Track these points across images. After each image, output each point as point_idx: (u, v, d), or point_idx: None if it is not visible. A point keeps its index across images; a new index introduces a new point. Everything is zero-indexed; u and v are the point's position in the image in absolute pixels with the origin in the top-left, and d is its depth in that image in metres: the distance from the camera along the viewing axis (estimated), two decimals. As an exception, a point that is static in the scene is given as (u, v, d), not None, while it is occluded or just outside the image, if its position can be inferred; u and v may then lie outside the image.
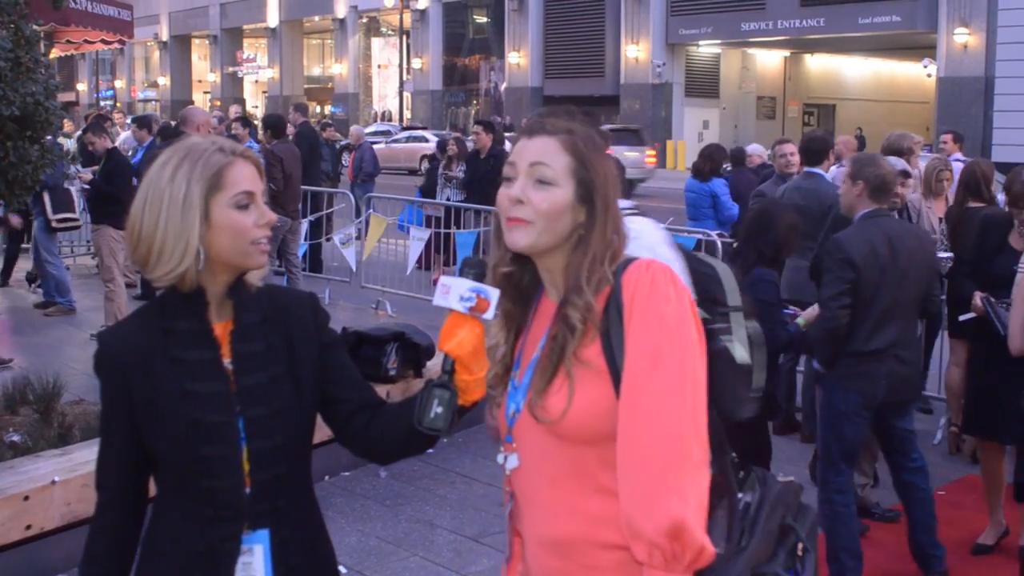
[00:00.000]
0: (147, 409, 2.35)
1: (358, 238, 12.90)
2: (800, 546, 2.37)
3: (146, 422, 2.36)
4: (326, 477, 6.82)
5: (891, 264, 5.20)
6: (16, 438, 6.09)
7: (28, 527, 5.24)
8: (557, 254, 2.33)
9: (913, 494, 5.47)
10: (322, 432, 7.52)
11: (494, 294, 2.35)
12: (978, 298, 5.92)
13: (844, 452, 5.26)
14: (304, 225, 13.47)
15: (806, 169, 7.83)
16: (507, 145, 12.86)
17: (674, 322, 2.22)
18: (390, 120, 51.98)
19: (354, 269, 12.85)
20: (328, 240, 13.71)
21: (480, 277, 2.37)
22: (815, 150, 7.80)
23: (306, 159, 13.24)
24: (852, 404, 5.23)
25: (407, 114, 51.00)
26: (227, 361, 2.38)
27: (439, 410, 2.34)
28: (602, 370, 2.26)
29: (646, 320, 2.22)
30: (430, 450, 7.41)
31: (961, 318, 6.30)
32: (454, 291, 2.34)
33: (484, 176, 12.45)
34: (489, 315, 2.36)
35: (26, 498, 5.24)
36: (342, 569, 5.35)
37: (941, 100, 32.59)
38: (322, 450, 6.70)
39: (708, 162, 10.95)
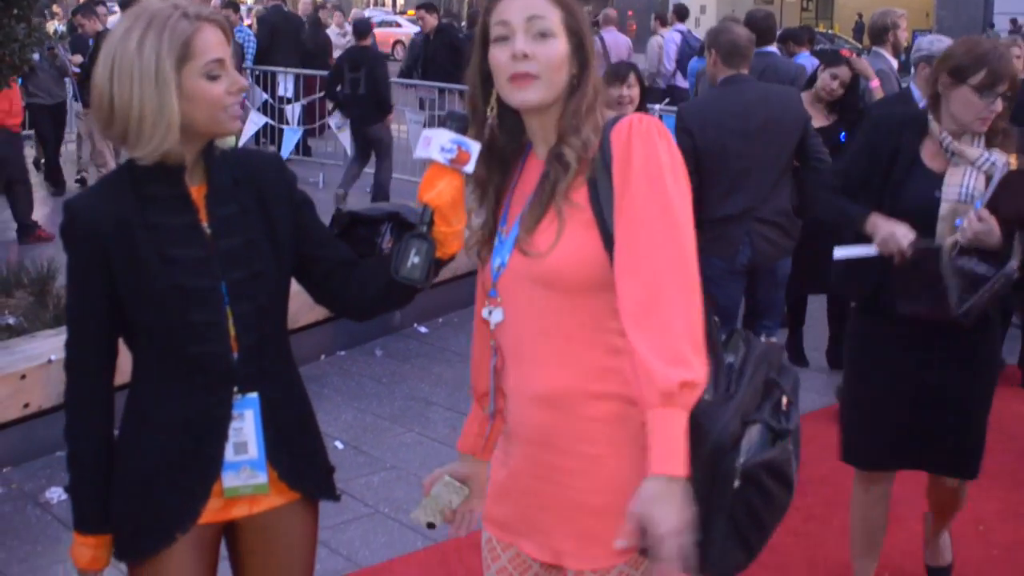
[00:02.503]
0: (128, 277, 2.31)
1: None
2: (785, 400, 2.39)
3: (128, 291, 2.32)
4: (322, 356, 6.85)
5: (742, 128, 5.14)
6: (11, 320, 6.10)
7: (26, 405, 5.28)
8: (553, 108, 2.31)
9: None
10: (316, 312, 7.50)
11: (475, 147, 2.33)
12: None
13: (720, 316, 5.22)
14: (297, 109, 13.37)
15: (756, 51, 7.63)
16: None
17: (662, 164, 2.22)
18: (383, 6, 51.17)
19: (349, 153, 12.76)
20: (324, 125, 13.59)
21: (463, 130, 2.34)
22: (761, 29, 7.62)
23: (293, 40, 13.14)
24: (715, 269, 5.20)
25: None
26: (205, 225, 2.36)
27: (416, 260, 2.32)
28: (590, 219, 2.25)
29: (633, 165, 2.21)
30: (423, 328, 7.47)
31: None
32: (435, 142, 2.31)
33: (436, 54, 12.60)
34: (469, 168, 2.33)
35: (23, 377, 5.26)
36: (338, 444, 5.51)
37: (940, -16, 32.14)
38: (317, 330, 6.84)
39: None
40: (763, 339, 2.47)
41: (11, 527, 4.69)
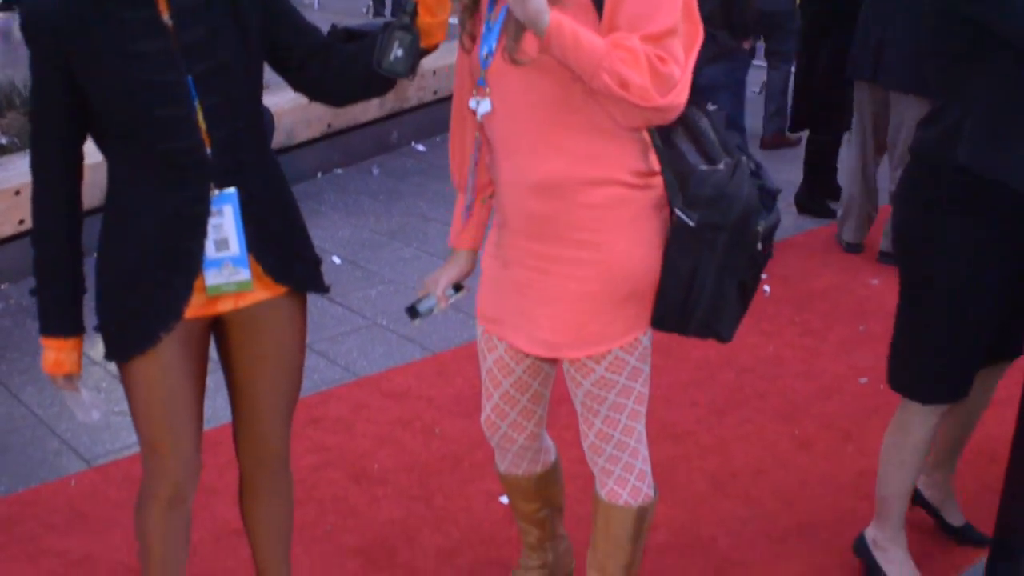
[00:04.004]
0: (89, 75, 2.23)
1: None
2: (750, 161, 2.39)
3: (91, 89, 2.24)
4: (318, 174, 6.80)
5: None
6: (4, 140, 6.03)
7: (21, 221, 5.26)
8: None
9: None
10: (312, 129, 7.42)
11: None
12: None
13: None
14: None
15: None
16: None
17: None
18: None
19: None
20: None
21: None
22: None
23: None
24: None
25: None
26: (165, 17, 2.26)
27: (399, 53, 2.25)
28: (587, 4, 2.18)
29: None
30: (420, 146, 7.40)
31: None
32: None
33: None
34: None
35: (17, 193, 5.22)
36: (335, 260, 5.50)
37: None
38: (314, 147, 6.78)
39: None
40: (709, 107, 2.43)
41: (11, 341, 4.71)
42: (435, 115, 7.70)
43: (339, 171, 6.91)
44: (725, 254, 2.29)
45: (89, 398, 2.51)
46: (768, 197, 2.34)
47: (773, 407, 4.18)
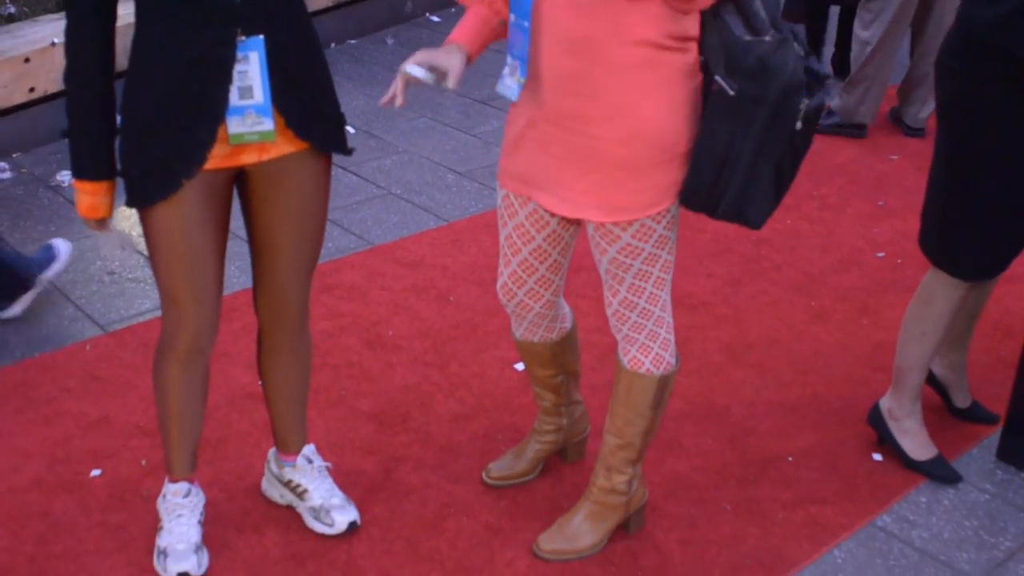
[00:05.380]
0: None
1: None
2: (803, 46, 2.31)
3: None
4: (332, 45, 6.70)
5: None
6: (12, 9, 5.92)
7: (31, 90, 5.19)
8: None
9: None
10: (324, -1, 7.03)
11: None
12: None
13: None
14: None
15: None
16: None
17: None
18: None
19: None
20: None
21: None
22: None
23: None
24: None
25: None
26: None
27: None
28: None
29: None
30: (435, 17, 7.27)
31: None
32: None
33: None
34: None
35: (27, 60, 5.15)
36: (350, 129, 5.44)
37: None
38: (327, 17, 6.67)
39: None
40: None
41: (24, 209, 4.69)
42: (450, -15, 7.57)
43: (353, 42, 6.81)
44: (763, 130, 2.23)
45: (120, 238, 2.51)
46: (816, 80, 2.25)
47: (789, 279, 4.15)
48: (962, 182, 2.80)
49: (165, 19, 2.27)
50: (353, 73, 6.30)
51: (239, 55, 2.29)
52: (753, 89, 2.19)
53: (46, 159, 5.15)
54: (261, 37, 2.29)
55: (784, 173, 2.33)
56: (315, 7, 6.55)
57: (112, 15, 2.33)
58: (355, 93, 5.99)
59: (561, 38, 2.25)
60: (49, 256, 3.94)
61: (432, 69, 2.31)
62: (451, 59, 2.31)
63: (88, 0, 2.29)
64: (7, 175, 4.99)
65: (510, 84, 2.39)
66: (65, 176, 4.93)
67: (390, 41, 6.83)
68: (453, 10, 7.39)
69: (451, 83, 2.28)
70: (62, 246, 3.98)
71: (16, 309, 3.80)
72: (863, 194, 4.93)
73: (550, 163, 2.38)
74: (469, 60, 2.38)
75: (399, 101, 2.31)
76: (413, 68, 2.30)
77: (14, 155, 5.20)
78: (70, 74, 2.36)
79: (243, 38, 2.28)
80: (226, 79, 2.29)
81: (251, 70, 2.30)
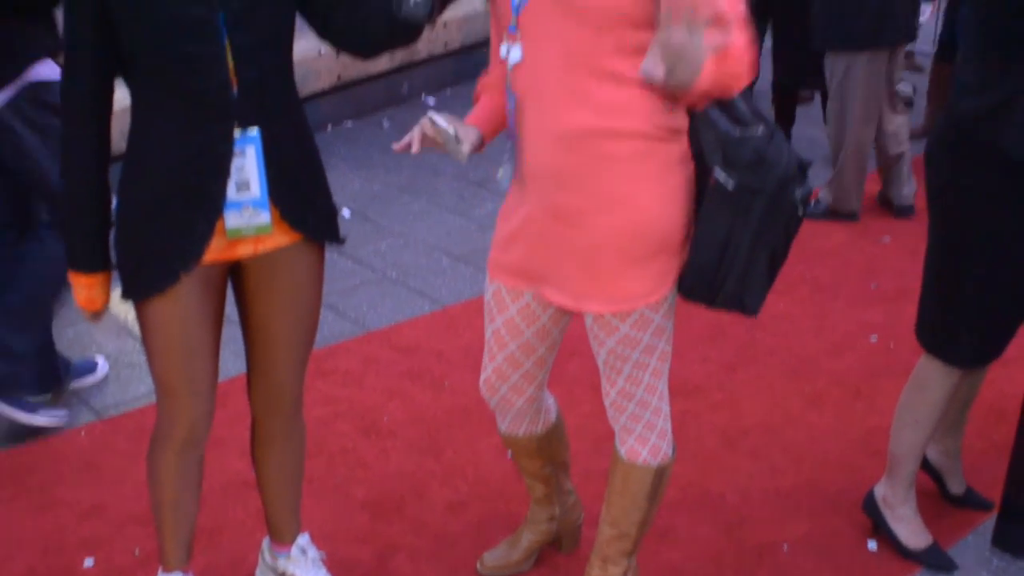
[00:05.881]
0: (123, 9, 2.22)
1: None
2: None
3: (123, 21, 2.24)
4: (329, 127, 6.77)
5: None
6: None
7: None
8: None
9: None
10: (323, 81, 7.33)
11: None
12: None
13: None
14: None
15: None
16: None
17: None
18: None
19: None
20: None
21: None
22: None
23: None
24: None
25: None
26: None
27: None
28: None
29: None
30: (431, 99, 7.36)
31: None
32: None
33: None
34: None
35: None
36: (346, 213, 5.48)
37: None
38: (324, 99, 6.73)
39: None
40: None
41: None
42: (446, 68, 7.65)
43: (349, 123, 6.88)
44: (760, 221, 2.26)
45: (116, 322, 2.52)
46: (800, 167, 2.31)
47: (784, 363, 4.17)
48: (955, 271, 2.82)
49: (163, 114, 2.30)
50: (349, 155, 6.35)
51: (236, 149, 2.32)
52: (752, 181, 2.23)
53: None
54: (257, 131, 2.32)
55: (777, 258, 2.37)
56: (312, 89, 6.63)
57: (108, 109, 2.36)
58: (351, 175, 6.04)
59: (553, 132, 2.29)
60: (87, 368, 3.97)
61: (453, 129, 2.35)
62: (469, 131, 2.38)
63: (85, 96, 2.33)
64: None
65: (507, 171, 2.44)
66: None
67: (386, 124, 6.91)
68: (449, 92, 7.49)
69: (465, 148, 2.34)
70: (102, 366, 4.02)
71: (41, 420, 3.75)
72: (856, 277, 4.96)
73: (548, 256, 2.40)
74: (482, 143, 2.44)
75: (415, 148, 2.35)
76: (438, 117, 2.34)
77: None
78: (65, 168, 2.38)
79: (240, 132, 2.32)
80: (224, 173, 2.32)
81: (248, 164, 2.33)
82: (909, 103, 7.35)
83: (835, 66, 5.36)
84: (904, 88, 7.46)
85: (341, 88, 6.93)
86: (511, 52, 2.30)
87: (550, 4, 2.21)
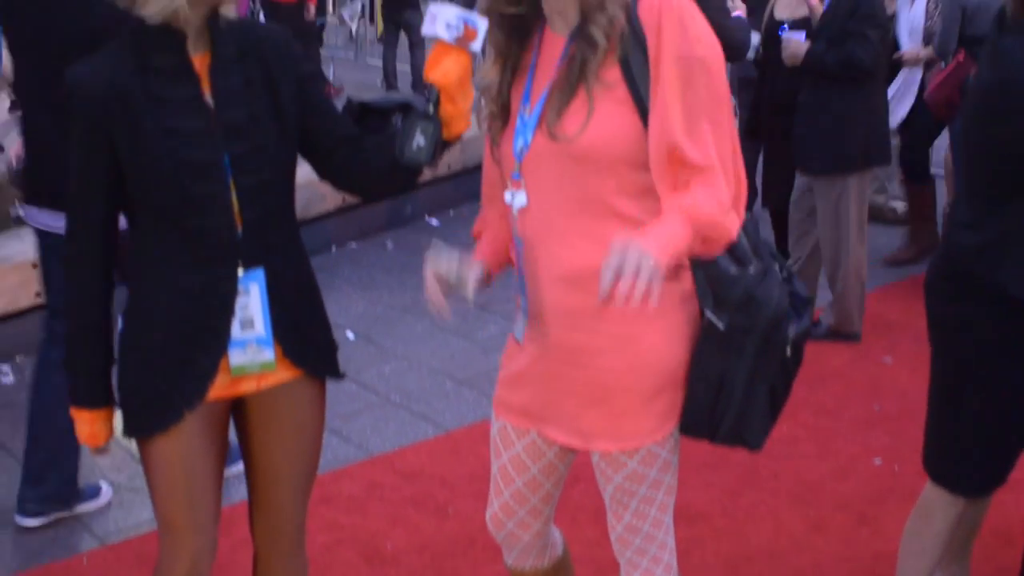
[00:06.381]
0: (129, 149, 2.28)
1: (362, 16, 12.62)
2: (781, 268, 2.39)
3: (129, 163, 2.29)
4: (333, 248, 6.84)
5: None
6: (22, 212, 6.06)
7: (37, 294, 5.27)
8: None
9: None
10: (327, 203, 7.42)
11: (482, 23, 2.27)
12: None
13: None
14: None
15: None
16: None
17: (703, 43, 2.18)
18: None
19: (358, 46, 12.61)
20: (335, 16, 13.40)
21: (469, 5, 2.28)
22: None
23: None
24: None
25: None
26: (208, 97, 2.31)
27: (421, 142, 2.29)
28: (624, 96, 2.21)
29: (672, 42, 2.16)
30: (434, 221, 7.44)
31: None
32: (441, 19, 2.25)
33: None
34: (476, 46, 2.28)
35: (35, 265, 5.23)
36: (349, 335, 5.51)
37: None
38: (328, 221, 6.81)
39: None
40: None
41: (25, 415, 4.70)
42: (449, 189, 7.75)
43: (353, 245, 6.96)
44: (755, 359, 2.28)
45: (120, 448, 2.54)
46: (800, 303, 2.34)
47: (787, 488, 4.15)
48: (957, 402, 2.84)
49: (169, 254, 2.34)
50: (353, 277, 6.41)
51: (240, 288, 2.35)
52: (742, 321, 2.26)
53: (49, 363, 5.20)
54: (261, 269, 2.37)
55: (778, 393, 2.38)
56: (316, 211, 6.71)
57: (113, 246, 2.40)
58: (355, 297, 6.09)
59: (561, 273, 2.31)
60: (91, 492, 3.99)
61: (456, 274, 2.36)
62: (472, 269, 2.39)
63: (90, 236, 2.37)
64: (9, 379, 5.05)
65: (520, 327, 2.45)
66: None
67: (390, 245, 6.99)
68: (452, 213, 7.58)
69: (469, 290, 2.35)
70: (106, 491, 4.03)
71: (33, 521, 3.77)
72: (858, 399, 4.97)
73: (555, 396, 2.41)
74: (488, 277, 2.45)
75: (442, 311, 2.37)
76: (441, 259, 2.36)
77: (17, 358, 5.26)
78: (69, 305, 2.41)
79: (244, 271, 2.35)
80: (228, 312, 2.35)
81: (252, 302, 2.36)
82: (906, 220, 7.47)
83: (826, 190, 5.46)
84: (901, 205, 7.57)
85: (345, 210, 7.02)
86: (516, 198, 2.34)
87: (551, 151, 2.26)
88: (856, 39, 5.23)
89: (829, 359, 5.39)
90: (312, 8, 11.24)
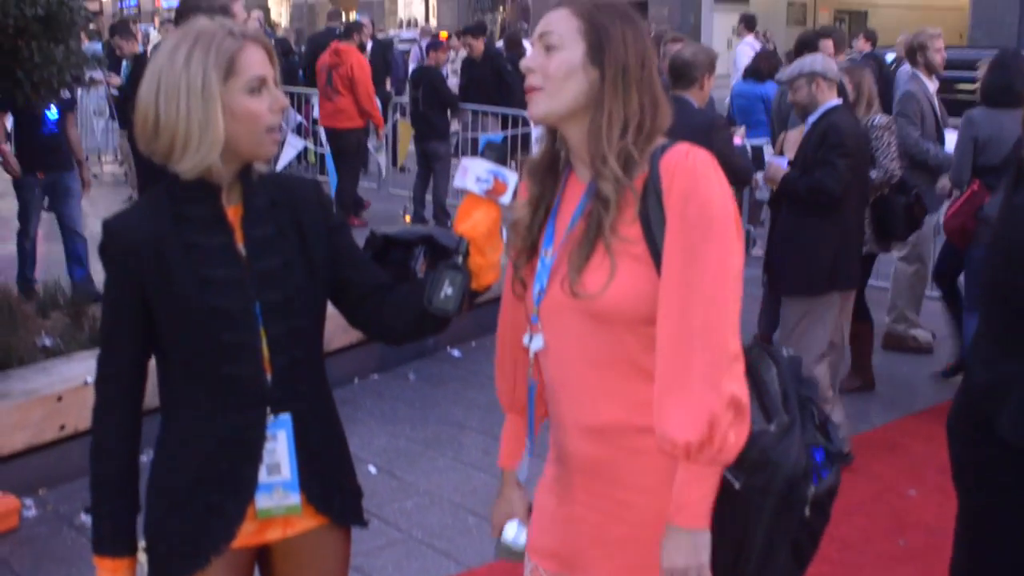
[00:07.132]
0: (162, 297, 2.33)
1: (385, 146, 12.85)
2: (818, 415, 2.38)
3: (162, 310, 2.34)
4: (355, 380, 6.86)
5: None
6: (48, 342, 6.14)
7: (62, 427, 5.31)
8: (577, 123, 2.30)
9: None
10: (350, 336, 7.43)
11: (512, 177, 2.34)
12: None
13: None
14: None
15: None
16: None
17: (716, 211, 2.19)
18: (415, 26, 51.35)
19: (383, 175, 12.79)
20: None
21: (500, 160, 2.36)
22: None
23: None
24: None
25: (432, 21, 50.34)
26: (240, 246, 2.38)
27: (449, 291, 2.33)
28: (643, 254, 2.23)
29: (687, 207, 2.19)
30: (456, 352, 7.48)
31: None
32: (471, 172, 2.32)
33: (483, 79, 12.52)
34: (506, 199, 2.34)
35: (60, 399, 5.29)
36: (371, 469, 5.51)
37: (975, 7, 31.85)
38: (351, 353, 6.85)
39: (766, 63, 10.28)
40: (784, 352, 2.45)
41: (47, 549, 4.71)
42: (471, 321, 7.78)
43: (376, 377, 6.98)
44: (772, 517, 2.24)
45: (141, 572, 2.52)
46: (829, 458, 2.30)
47: (814, 628, 4.09)
48: (981, 547, 2.84)
49: (197, 399, 2.38)
50: (375, 409, 6.43)
51: (268, 434, 2.39)
52: (757, 481, 2.23)
53: (72, 496, 5.19)
54: (289, 416, 2.40)
55: (803, 547, 2.35)
56: (338, 344, 6.74)
57: (141, 393, 2.44)
58: (377, 431, 6.10)
59: (585, 425, 2.33)
60: None
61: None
62: (513, 506, 2.60)
63: (119, 382, 2.41)
64: (32, 512, 5.04)
65: (525, 465, 2.49)
66: (88, 517, 4.96)
67: (412, 376, 7.01)
68: (474, 344, 7.60)
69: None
70: None
71: None
72: (883, 534, 4.92)
73: (582, 543, 2.41)
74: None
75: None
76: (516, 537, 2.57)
77: (40, 491, 5.26)
78: (96, 451, 2.42)
79: (272, 417, 2.39)
80: (256, 458, 2.38)
81: (279, 448, 2.39)
82: (929, 349, 7.49)
83: (793, 310, 5.58)
84: (923, 334, 7.59)
85: (367, 342, 7.04)
86: (533, 340, 2.38)
87: (568, 303, 2.29)
88: (824, 167, 5.37)
89: (852, 491, 5.33)
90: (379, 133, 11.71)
